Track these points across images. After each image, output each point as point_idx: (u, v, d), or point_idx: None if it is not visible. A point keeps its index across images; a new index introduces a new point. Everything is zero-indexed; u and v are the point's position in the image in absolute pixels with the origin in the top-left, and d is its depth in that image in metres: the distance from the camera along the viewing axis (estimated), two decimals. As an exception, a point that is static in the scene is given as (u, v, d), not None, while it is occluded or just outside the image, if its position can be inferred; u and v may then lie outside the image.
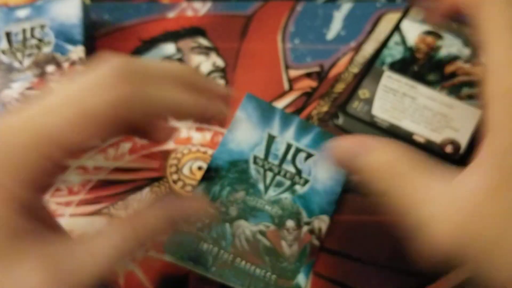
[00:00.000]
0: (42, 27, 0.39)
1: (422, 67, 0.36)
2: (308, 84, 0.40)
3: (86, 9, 0.41)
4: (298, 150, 0.34)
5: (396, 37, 0.38)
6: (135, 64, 0.23)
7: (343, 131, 0.36)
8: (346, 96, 0.35)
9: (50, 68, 0.38)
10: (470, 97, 0.35)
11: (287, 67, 0.41)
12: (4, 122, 0.21)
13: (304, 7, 0.44)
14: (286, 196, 0.33)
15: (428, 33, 0.38)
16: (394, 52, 0.37)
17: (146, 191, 0.35)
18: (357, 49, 0.42)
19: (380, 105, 0.35)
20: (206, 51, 0.41)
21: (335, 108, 0.37)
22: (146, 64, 0.24)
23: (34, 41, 0.39)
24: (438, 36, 0.38)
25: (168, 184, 0.35)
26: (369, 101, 0.35)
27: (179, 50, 0.41)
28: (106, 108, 0.21)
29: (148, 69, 0.23)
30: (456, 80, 0.36)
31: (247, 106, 0.33)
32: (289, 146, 0.33)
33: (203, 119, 0.26)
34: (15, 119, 0.21)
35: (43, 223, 0.22)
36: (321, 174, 0.33)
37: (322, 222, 0.32)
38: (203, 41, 0.42)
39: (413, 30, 0.38)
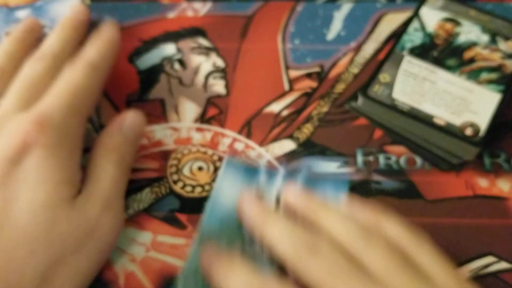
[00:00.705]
0: (42, 27, 0.39)
1: (442, 52, 0.37)
2: (308, 84, 0.40)
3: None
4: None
5: (415, 24, 0.39)
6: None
7: (360, 114, 0.36)
8: (366, 80, 0.37)
9: (50, 68, 0.38)
10: (489, 82, 0.36)
11: (287, 68, 0.41)
12: None
13: (304, 8, 0.44)
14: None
15: (447, 20, 0.39)
16: (414, 38, 0.38)
17: (146, 191, 0.35)
18: (357, 49, 0.42)
19: (401, 88, 0.36)
20: (206, 51, 0.41)
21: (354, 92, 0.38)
22: None
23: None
24: (457, 23, 0.39)
25: (168, 184, 0.35)
26: (390, 85, 0.36)
27: (179, 50, 0.41)
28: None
29: None
30: (475, 66, 0.36)
31: (230, 166, 0.33)
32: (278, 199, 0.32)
33: None
34: None
35: None
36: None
37: None
38: (203, 42, 0.42)
39: (432, 17, 0.39)
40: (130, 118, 0.33)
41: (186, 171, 0.35)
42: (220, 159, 0.35)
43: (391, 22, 0.43)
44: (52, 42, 0.34)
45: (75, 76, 0.31)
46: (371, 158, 0.36)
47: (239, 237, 0.30)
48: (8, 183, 0.27)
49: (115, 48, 0.35)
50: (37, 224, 0.26)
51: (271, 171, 0.33)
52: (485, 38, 0.38)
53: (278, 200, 0.32)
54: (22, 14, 0.40)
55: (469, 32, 0.39)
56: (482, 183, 0.35)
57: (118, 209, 0.31)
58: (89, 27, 0.41)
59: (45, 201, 0.27)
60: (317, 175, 0.32)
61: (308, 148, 0.37)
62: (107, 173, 0.30)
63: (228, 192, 0.32)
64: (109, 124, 0.33)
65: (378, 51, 0.41)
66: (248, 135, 0.37)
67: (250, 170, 0.33)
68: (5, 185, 0.27)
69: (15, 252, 0.26)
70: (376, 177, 0.36)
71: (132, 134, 0.33)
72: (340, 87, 0.40)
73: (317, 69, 0.41)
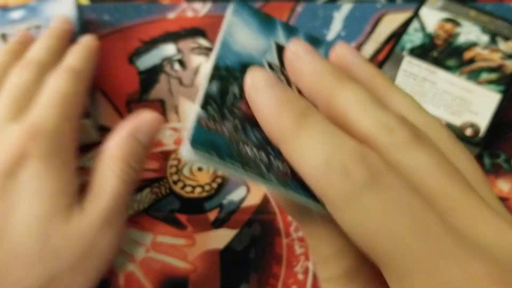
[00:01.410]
0: (38, 27, 0.39)
1: (441, 53, 0.37)
2: (308, 84, 0.40)
3: (80, 9, 0.41)
4: None
5: (415, 24, 0.39)
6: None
7: None
8: None
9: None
10: (489, 82, 0.36)
11: (287, 68, 0.41)
12: None
13: (304, 8, 0.44)
14: None
15: (447, 20, 0.39)
16: (414, 38, 0.38)
17: (146, 192, 0.35)
18: (357, 49, 0.42)
19: None
20: (206, 51, 0.41)
21: None
22: None
23: None
24: (457, 23, 0.39)
25: (168, 185, 0.35)
26: None
27: (179, 50, 0.41)
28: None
29: None
30: (475, 66, 0.36)
31: (241, 12, 0.25)
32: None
33: None
34: None
35: None
36: None
37: None
38: (203, 42, 0.42)
39: (432, 17, 0.39)
40: (148, 121, 0.30)
41: (186, 171, 0.35)
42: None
43: (391, 22, 0.43)
44: (37, 50, 0.34)
45: (61, 84, 0.31)
46: (371, 158, 0.36)
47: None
48: (4, 196, 0.26)
49: (94, 54, 0.36)
50: (32, 237, 0.26)
51: (290, 28, 0.25)
52: (485, 38, 0.38)
53: None
54: (16, 14, 0.40)
55: (469, 32, 0.39)
56: (482, 184, 0.35)
57: (119, 226, 0.29)
58: (84, 27, 0.41)
59: (40, 213, 0.26)
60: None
61: (308, 148, 0.37)
62: (112, 188, 0.28)
63: (244, 35, 0.24)
64: (120, 128, 0.30)
65: (378, 52, 0.41)
66: (248, 136, 0.37)
67: (265, 18, 0.25)
68: (1, 198, 0.26)
69: (12, 266, 0.25)
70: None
71: (148, 139, 0.30)
72: (340, 88, 0.40)
73: (317, 70, 0.41)
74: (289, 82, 0.23)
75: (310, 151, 0.17)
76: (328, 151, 0.16)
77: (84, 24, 0.41)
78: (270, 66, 0.23)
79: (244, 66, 0.23)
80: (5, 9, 0.41)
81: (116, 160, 0.28)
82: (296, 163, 0.18)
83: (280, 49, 0.24)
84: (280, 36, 0.24)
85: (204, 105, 0.21)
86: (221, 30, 0.24)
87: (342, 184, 0.16)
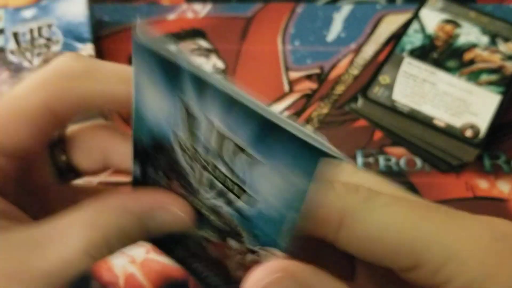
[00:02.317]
0: (49, 26, 0.39)
1: (441, 54, 0.37)
2: (308, 86, 0.40)
3: (91, 8, 0.41)
4: (222, 137, 0.17)
5: (415, 25, 0.39)
6: (80, 61, 0.21)
7: (360, 115, 0.36)
8: (366, 82, 0.36)
9: (60, 67, 0.38)
10: (489, 84, 0.36)
11: (287, 69, 0.41)
12: None
13: (304, 9, 0.44)
14: (221, 205, 0.20)
15: (447, 21, 0.39)
16: (414, 39, 0.38)
17: (146, 193, 0.35)
18: (357, 50, 0.42)
19: (401, 90, 0.36)
20: (206, 53, 0.41)
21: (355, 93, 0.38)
22: (93, 61, 0.22)
23: (42, 41, 0.39)
24: (457, 25, 0.39)
25: (168, 186, 0.35)
26: (390, 87, 0.36)
27: (179, 52, 0.41)
28: (36, 107, 0.20)
29: (94, 66, 0.21)
30: (475, 67, 0.36)
31: (142, 57, 0.18)
32: (221, 137, 0.17)
33: None
34: None
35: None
36: (263, 186, 0.17)
37: (272, 253, 0.20)
38: (203, 43, 0.42)
39: (432, 19, 0.39)
40: (169, 213, 0.20)
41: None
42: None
43: (391, 23, 0.43)
44: None
45: None
46: (371, 159, 0.36)
47: (173, 163, 0.20)
48: None
49: None
50: None
51: (199, 79, 0.16)
52: (485, 39, 0.38)
53: (211, 127, 0.17)
54: (28, 14, 0.40)
55: (469, 33, 0.39)
56: (482, 185, 0.35)
57: None
58: (95, 26, 0.41)
59: None
60: None
61: (308, 149, 0.37)
62: (68, 250, 0.18)
63: (149, 91, 0.18)
64: (126, 193, 0.21)
65: (378, 53, 0.41)
66: (248, 137, 0.37)
67: (167, 67, 0.17)
68: None
69: None
70: (376, 179, 0.36)
71: (157, 230, 0.20)
72: (340, 89, 0.40)
73: (317, 71, 0.41)
74: (197, 160, 0.19)
75: None
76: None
77: (95, 24, 0.42)
78: (177, 138, 0.19)
79: (155, 142, 0.20)
80: (16, 8, 0.41)
81: (95, 229, 0.19)
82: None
83: (186, 112, 0.17)
84: (188, 90, 0.17)
85: (133, 186, 0.22)
86: (132, 88, 0.19)
87: (356, 194, 0.18)
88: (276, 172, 0.16)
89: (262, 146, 0.16)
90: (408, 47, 0.38)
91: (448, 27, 0.39)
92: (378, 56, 0.41)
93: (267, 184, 0.17)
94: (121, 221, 0.19)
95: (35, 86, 0.20)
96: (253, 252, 0.20)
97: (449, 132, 0.34)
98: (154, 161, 0.21)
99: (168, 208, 0.20)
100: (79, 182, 0.24)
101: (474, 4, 0.44)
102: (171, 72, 0.17)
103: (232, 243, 0.21)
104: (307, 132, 0.14)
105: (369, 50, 0.42)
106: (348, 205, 0.18)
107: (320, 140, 0.14)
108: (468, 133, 0.34)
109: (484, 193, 0.35)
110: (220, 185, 0.19)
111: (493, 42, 0.38)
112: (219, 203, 0.20)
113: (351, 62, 0.41)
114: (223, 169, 0.18)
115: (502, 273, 0.17)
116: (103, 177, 0.36)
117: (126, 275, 0.32)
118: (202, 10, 0.44)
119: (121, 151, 0.22)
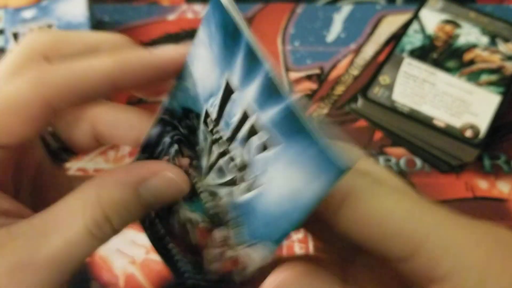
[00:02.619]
0: (50, 26, 0.40)
1: (441, 54, 0.37)
2: (308, 86, 0.40)
3: (91, 8, 0.41)
4: (255, 129, 0.17)
5: (415, 26, 0.39)
6: (55, 36, 0.20)
7: (360, 116, 0.36)
8: (366, 82, 0.36)
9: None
10: (489, 84, 0.36)
11: (287, 69, 0.41)
12: None
13: (304, 10, 0.44)
14: (223, 194, 0.20)
15: (447, 22, 0.39)
16: (414, 40, 0.38)
17: (146, 193, 0.35)
18: (357, 51, 0.42)
19: (401, 90, 0.36)
20: (206, 53, 0.42)
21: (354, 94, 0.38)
22: (69, 35, 0.21)
23: None
24: (456, 25, 0.39)
25: (168, 186, 0.35)
26: (390, 87, 0.36)
27: (179, 52, 0.41)
28: (25, 95, 0.18)
29: (74, 39, 0.20)
30: (475, 67, 0.36)
31: (211, 20, 0.18)
32: (245, 116, 0.17)
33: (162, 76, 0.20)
34: None
35: None
36: (280, 182, 0.17)
37: (255, 254, 0.19)
38: (203, 43, 0.42)
39: (432, 19, 0.39)
40: (165, 178, 0.20)
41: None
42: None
43: (391, 24, 0.43)
44: None
45: None
46: (371, 159, 0.36)
47: (192, 139, 0.21)
48: None
49: None
50: None
51: (253, 55, 0.16)
52: (484, 40, 0.38)
53: (245, 115, 0.17)
54: (28, 14, 0.40)
55: (469, 34, 0.39)
56: (482, 185, 0.35)
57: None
58: (95, 26, 0.41)
59: None
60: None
61: (308, 150, 0.37)
62: (71, 233, 0.18)
63: (202, 60, 0.19)
64: (121, 169, 0.20)
65: (378, 53, 0.42)
66: (248, 137, 0.37)
67: (232, 32, 0.17)
68: None
69: None
70: (376, 179, 0.36)
71: (153, 199, 0.20)
72: (340, 89, 0.40)
73: (317, 71, 0.41)
74: (217, 143, 0.19)
75: None
76: None
77: (96, 24, 0.42)
78: (206, 117, 0.19)
79: (184, 113, 0.20)
80: (17, 9, 0.41)
81: (93, 207, 0.19)
82: None
83: (227, 93, 0.18)
84: (237, 68, 0.17)
85: (142, 150, 0.22)
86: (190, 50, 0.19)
87: (364, 178, 0.18)
88: (293, 171, 0.16)
89: (289, 144, 0.16)
90: (408, 47, 0.38)
91: (448, 28, 0.39)
92: (378, 56, 0.41)
93: (280, 180, 0.16)
94: (117, 194, 0.19)
95: (17, 72, 0.19)
96: (234, 249, 0.20)
97: (449, 133, 0.34)
98: (174, 132, 0.21)
99: (163, 174, 0.20)
100: (76, 173, 0.24)
101: (474, 5, 0.44)
102: (230, 42, 0.17)
103: (218, 235, 0.21)
104: (335, 144, 0.14)
105: (369, 51, 0.42)
106: (354, 186, 0.18)
107: (346, 152, 0.14)
108: (468, 134, 0.34)
109: (484, 193, 0.35)
110: (231, 175, 0.19)
111: (493, 42, 0.38)
112: (222, 192, 0.20)
113: (351, 63, 0.41)
114: (239, 160, 0.18)
115: (503, 278, 0.17)
116: (100, 164, 0.36)
117: (126, 275, 0.32)
118: (202, 10, 0.44)
119: (109, 119, 0.22)
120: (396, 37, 0.40)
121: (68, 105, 0.19)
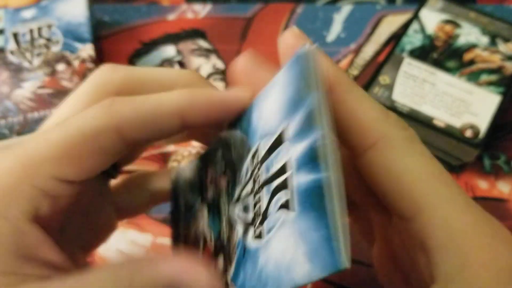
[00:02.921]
0: (49, 26, 0.40)
1: (441, 54, 0.37)
2: (308, 86, 0.40)
3: (91, 8, 0.41)
4: (286, 185, 0.17)
5: (415, 25, 0.39)
6: (128, 74, 0.20)
7: None
8: (366, 82, 0.36)
9: (61, 67, 0.38)
10: (489, 84, 0.36)
11: (287, 69, 0.41)
12: None
13: (304, 10, 0.44)
14: (239, 230, 0.20)
15: (447, 21, 0.39)
16: (414, 39, 0.38)
17: (146, 193, 0.35)
18: (357, 51, 0.42)
19: (401, 90, 0.36)
20: (206, 53, 0.42)
21: None
22: (142, 72, 0.21)
23: (42, 41, 0.39)
24: (457, 25, 0.39)
25: (168, 186, 0.35)
26: (390, 87, 0.36)
27: (179, 52, 0.41)
28: (98, 125, 0.18)
29: (146, 77, 0.21)
30: (475, 67, 0.36)
31: (293, 67, 0.18)
32: (283, 170, 0.17)
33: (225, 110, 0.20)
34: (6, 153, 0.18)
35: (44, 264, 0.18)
36: (282, 246, 0.16)
37: None
38: (203, 43, 0.42)
39: (432, 19, 0.39)
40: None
41: (186, 173, 0.35)
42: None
43: (391, 24, 0.43)
44: None
45: None
46: (371, 160, 0.36)
47: (237, 165, 0.21)
48: None
49: None
50: None
51: (312, 118, 0.16)
52: (484, 40, 0.38)
53: (283, 168, 0.17)
54: (27, 14, 0.40)
55: (469, 34, 0.39)
56: (482, 185, 0.35)
57: None
58: (95, 26, 0.41)
59: None
60: None
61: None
62: None
63: (273, 101, 0.19)
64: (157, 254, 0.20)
65: (378, 53, 0.42)
66: (248, 137, 0.37)
67: (303, 88, 0.17)
68: None
69: None
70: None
71: None
72: (340, 89, 0.40)
73: (317, 71, 0.41)
74: (253, 181, 0.19)
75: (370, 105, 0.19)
76: (383, 108, 0.19)
77: (95, 24, 0.42)
78: (255, 153, 0.20)
79: (241, 138, 0.21)
80: (16, 8, 0.41)
81: None
82: (359, 112, 0.19)
83: (278, 140, 0.18)
84: (294, 123, 0.17)
85: (200, 158, 0.23)
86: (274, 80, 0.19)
87: (403, 131, 0.19)
88: (297, 242, 0.15)
89: (305, 215, 0.15)
90: (408, 47, 0.38)
91: (448, 28, 0.39)
92: (378, 56, 0.41)
93: (283, 244, 0.16)
94: (150, 284, 0.18)
95: (89, 104, 0.19)
96: (226, 284, 0.20)
97: (449, 132, 0.34)
98: (228, 152, 0.21)
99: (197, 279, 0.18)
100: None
101: (474, 5, 0.44)
102: (302, 94, 0.17)
103: (219, 263, 0.21)
104: (344, 237, 0.14)
105: (369, 51, 0.42)
106: (390, 134, 0.18)
107: (348, 251, 0.14)
108: (468, 134, 0.34)
109: (484, 193, 0.35)
110: (252, 216, 0.19)
111: (493, 42, 0.38)
112: (239, 228, 0.20)
113: (351, 63, 0.41)
114: (264, 205, 0.18)
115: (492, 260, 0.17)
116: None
117: (126, 275, 0.32)
118: (202, 10, 0.44)
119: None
120: (396, 37, 0.40)
121: (139, 137, 0.19)
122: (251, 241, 0.19)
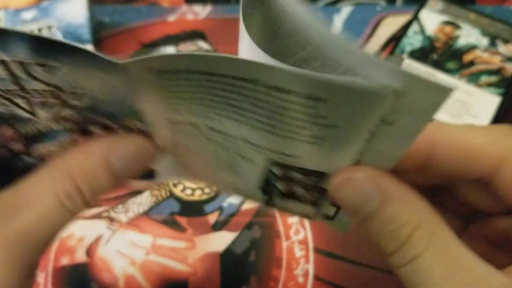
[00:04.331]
0: (50, 27, 0.40)
1: (441, 55, 0.37)
2: (308, 87, 0.40)
3: (91, 9, 0.41)
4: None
5: (415, 27, 0.39)
6: None
7: None
8: None
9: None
10: (488, 85, 0.36)
11: (287, 71, 0.41)
12: None
13: (304, 11, 0.44)
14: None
15: (447, 23, 0.39)
16: (414, 41, 0.38)
17: (146, 194, 0.35)
18: (357, 52, 0.42)
19: None
20: (206, 54, 0.42)
21: None
22: None
23: None
24: (456, 26, 0.39)
25: (168, 187, 0.35)
26: None
27: (179, 53, 0.42)
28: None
29: None
30: (475, 69, 0.36)
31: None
32: None
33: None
34: None
35: None
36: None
37: None
38: (203, 45, 0.42)
39: (432, 20, 0.39)
40: (133, 146, 0.19)
41: (186, 174, 0.35)
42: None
43: (390, 25, 0.43)
44: None
45: None
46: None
47: None
48: None
49: None
50: None
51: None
52: (484, 41, 0.38)
53: None
54: (28, 15, 0.40)
55: (469, 35, 0.39)
56: (482, 186, 0.35)
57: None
58: (95, 27, 0.41)
59: None
60: None
61: (308, 151, 0.37)
62: (42, 206, 0.18)
63: None
64: (92, 142, 0.19)
65: (397, 40, 0.41)
66: (248, 138, 0.37)
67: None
68: None
69: None
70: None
71: (123, 169, 0.19)
72: (340, 90, 0.40)
73: (317, 72, 0.41)
74: None
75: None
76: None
77: (96, 25, 0.42)
78: None
79: None
80: (17, 10, 0.41)
81: (63, 179, 0.18)
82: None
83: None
84: None
85: None
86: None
87: None
88: None
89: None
90: (408, 48, 0.38)
91: (448, 29, 0.39)
92: (378, 57, 0.41)
93: None
94: (86, 164, 0.18)
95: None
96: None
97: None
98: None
99: (132, 139, 0.19)
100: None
101: (474, 6, 0.44)
102: None
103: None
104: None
105: (369, 52, 0.42)
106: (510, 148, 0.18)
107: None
108: (468, 135, 0.34)
109: (484, 194, 0.35)
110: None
111: (493, 43, 0.38)
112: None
113: (351, 64, 0.41)
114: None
115: None
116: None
117: (126, 276, 0.32)
118: (202, 11, 0.44)
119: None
120: (396, 38, 0.40)
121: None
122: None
